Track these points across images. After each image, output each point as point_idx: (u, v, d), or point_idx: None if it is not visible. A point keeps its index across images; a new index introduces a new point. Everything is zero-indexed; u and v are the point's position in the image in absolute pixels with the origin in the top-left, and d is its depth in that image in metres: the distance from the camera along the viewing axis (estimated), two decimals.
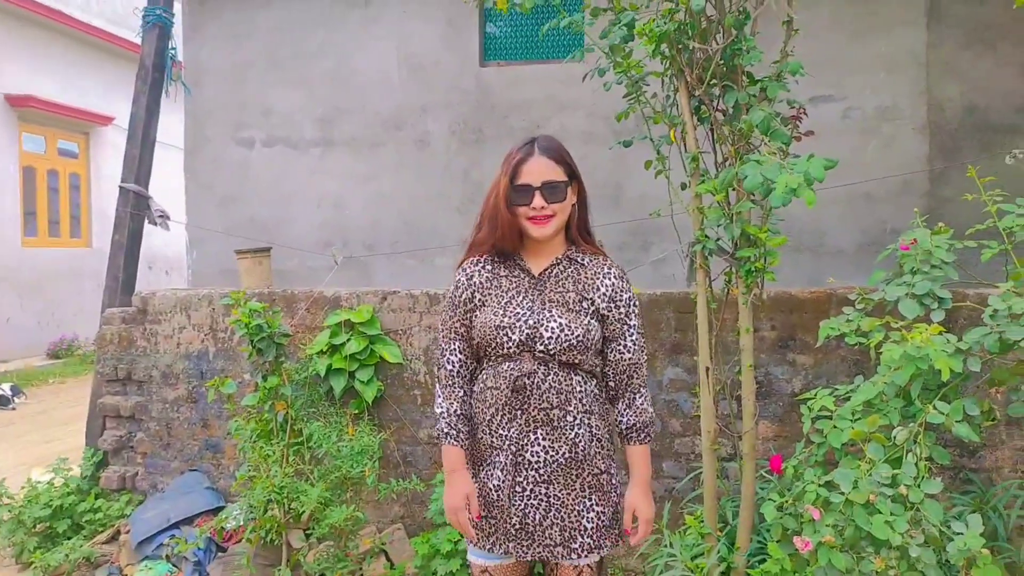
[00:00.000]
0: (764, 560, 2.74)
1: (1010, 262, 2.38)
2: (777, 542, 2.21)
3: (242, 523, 3.74)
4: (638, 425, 2.03)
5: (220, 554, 3.78)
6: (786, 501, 2.15)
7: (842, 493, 1.89)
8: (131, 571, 3.87)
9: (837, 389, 2.34)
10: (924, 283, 2.27)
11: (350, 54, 5.33)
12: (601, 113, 4.88)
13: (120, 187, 4.88)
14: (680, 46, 2.75)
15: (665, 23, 2.67)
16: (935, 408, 1.97)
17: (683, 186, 2.99)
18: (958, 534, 1.75)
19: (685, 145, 2.91)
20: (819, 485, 1.99)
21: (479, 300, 2.03)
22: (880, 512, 1.81)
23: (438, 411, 2.05)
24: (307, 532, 3.65)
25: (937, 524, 1.80)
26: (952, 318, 3.11)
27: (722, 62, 2.74)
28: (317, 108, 5.39)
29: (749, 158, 2.38)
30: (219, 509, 4.09)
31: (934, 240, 2.39)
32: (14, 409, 7.93)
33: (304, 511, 3.39)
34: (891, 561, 1.79)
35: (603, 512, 2.01)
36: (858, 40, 4.60)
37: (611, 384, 2.06)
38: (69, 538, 4.13)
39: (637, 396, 2.04)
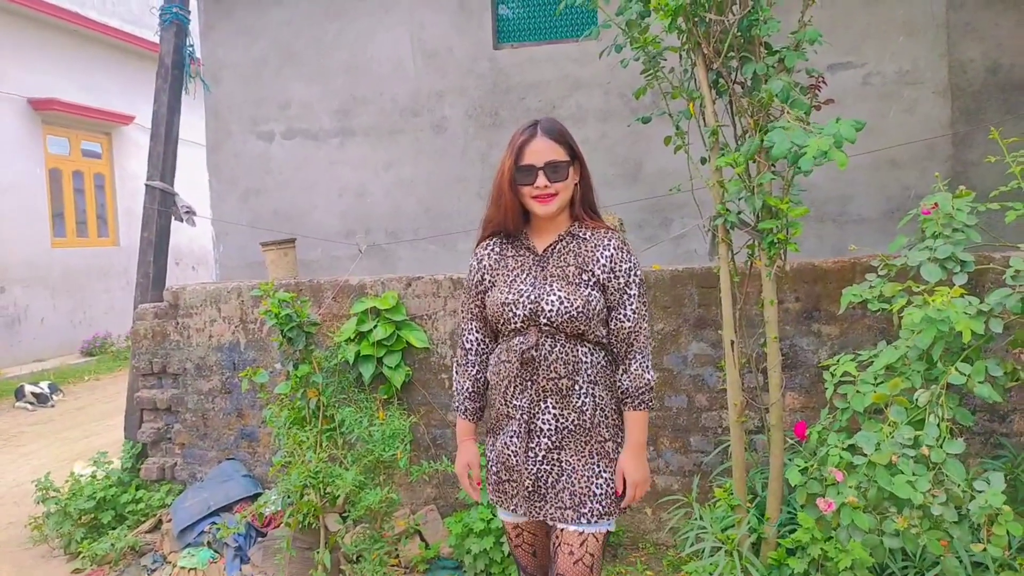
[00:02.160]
0: (795, 530, 2.77)
1: None
2: (802, 507, 2.23)
3: (280, 508, 3.83)
4: (631, 390, 2.08)
5: (260, 539, 3.88)
6: (810, 465, 2.17)
7: (865, 455, 1.91)
8: (174, 558, 3.98)
9: (859, 355, 2.35)
10: (946, 247, 2.26)
11: (364, 44, 5.36)
12: (617, 90, 4.87)
13: (146, 185, 4.97)
14: (696, 19, 2.75)
15: None
16: (957, 370, 1.97)
17: (703, 160, 2.99)
18: (980, 492, 1.77)
19: (704, 119, 2.91)
20: (842, 449, 2.01)
21: (489, 281, 2.16)
22: (902, 472, 1.82)
23: (453, 387, 2.27)
24: (343, 515, 3.74)
25: (959, 483, 1.81)
26: (978, 282, 3.09)
27: (739, 33, 2.73)
28: (334, 99, 5.43)
29: (773, 126, 2.38)
30: (257, 495, 4.19)
31: (955, 203, 2.37)
32: (53, 407, 8.13)
33: (339, 495, 3.46)
34: (913, 520, 1.81)
35: (611, 480, 2.09)
36: (876, 4, 4.53)
37: (613, 351, 2.13)
38: (113, 528, 4.25)
39: (633, 362, 2.09)
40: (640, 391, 2.08)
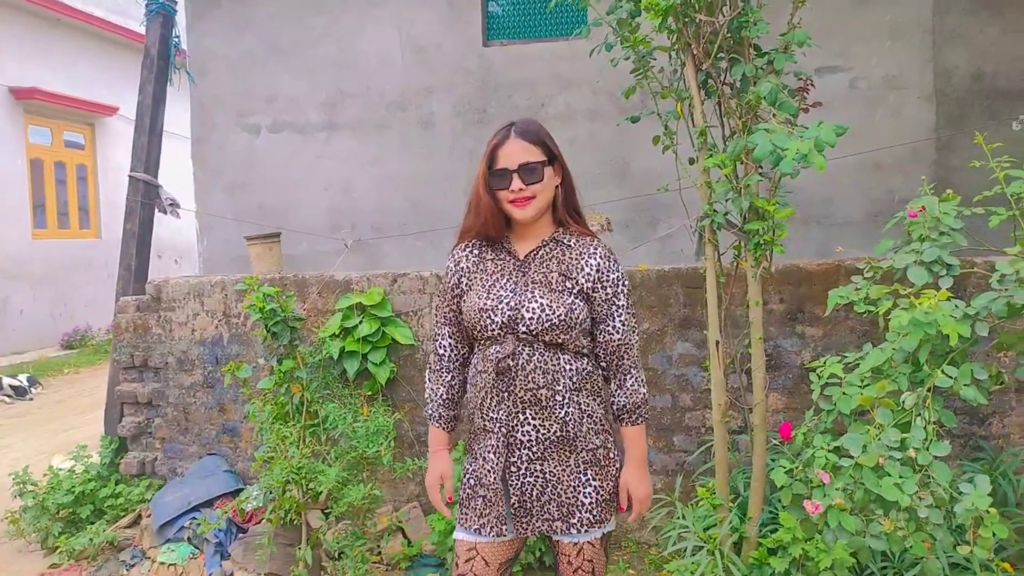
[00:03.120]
0: (776, 530, 2.79)
1: (1018, 228, 2.39)
2: (786, 508, 2.24)
3: (261, 504, 3.80)
4: (629, 406, 2.04)
5: (241, 535, 3.85)
6: (796, 467, 2.18)
7: (851, 457, 1.92)
8: (154, 553, 3.94)
9: (846, 357, 2.37)
10: (932, 250, 2.28)
11: (353, 38, 5.33)
12: (606, 90, 4.87)
13: (130, 177, 4.91)
14: (687, 19, 2.75)
15: None
16: (943, 372, 1.99)
17: (691, 161, 3.00)
18: (965, 495, 1.78)
19: (693, 119, 2.92)
20: (828, 451, 2.02)
21: (466, 285, 2.06)
22: (889, 475, 1.84)
23: (426, 395, 2.16)
24: (325, 512, 3.71)
25: (945, 485, 1.83)
26: (961, 285, 3.12)
27: (729, 34, 2.74)
28: (321, 93, 5.39)
29: (757, 127, 2.39)
30: (238, 491, 4.16)
31: (942, 207, 2.39)
32: (31, 399, 8.04)
33: (322, 491, 3.45)
34: (900, 522, 1.82)
35: (602, 487, 2.00)
36: (863, 8, 4.57)
37: (603, 364, 2.07)
38: (92, 523, 4.21)
39: (628, 377, 2.04)
40: (637, 407, 2.04)
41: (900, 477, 1.82)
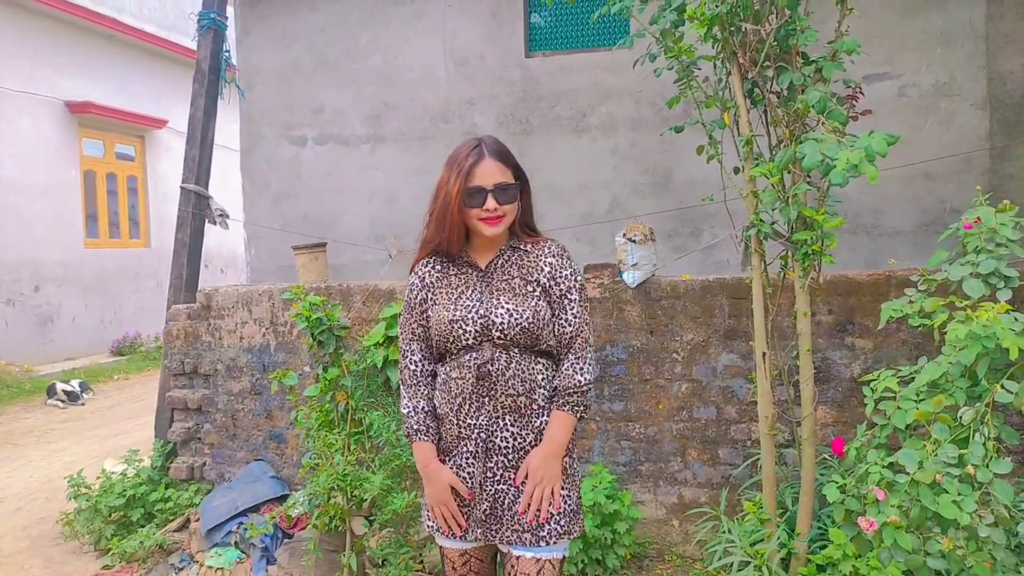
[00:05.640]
0: (825, 546, 2.73)
1: None
2: (839, 525, 2.19)
3: (307, 510, 3.85)
4: (559, 388, 2.02)
5: (287, 540, 3.90)
6: (849, 483, 2.14)
7: (907, 474, 1.88)
8: (202, 557, 4.02)
9: (900, 370, 2.31)
10: (989, 262, 2.22)
11: (397, 51, 5.41)
12: (648, 99, 4.86)
13: (181, 188, 5.04)
14: (732, 28, 2.74)
15: (717, 5, 2.66)
16: (1003, 388, 1.93)
17: (736, 170, 2.97)
18: None
19: (738, 128, 2.90)
20: (883, 466, 1.97)
21: (432, 299, 2.09)
22: (947, 492, 1.79)
23: (404, 411, 2.10)
24: (369, 519, 3.75)
25: (1007, 504, 1.77)
26: (1019, 297, 3.03)
27: (775, 43, 2.72)
28: (366, 105, 5.48)
29: (807, 137, 2.37)
30: (284, 497, 4.22)
31: (999, 218, 2.34)
32: (83, 404, 8.26)
33: (366, 498, 3.48)
34: (959, 541, 1.77)
35: (569, 496, 2.02)
36: (913, 15, 4.49)
37: (557, 357, 2.08)
38: (143, 526, 4.31)
39: (566, 361, 2.04)
40: (567, 391, 2.01)
41: (959, 494, 1.77)
